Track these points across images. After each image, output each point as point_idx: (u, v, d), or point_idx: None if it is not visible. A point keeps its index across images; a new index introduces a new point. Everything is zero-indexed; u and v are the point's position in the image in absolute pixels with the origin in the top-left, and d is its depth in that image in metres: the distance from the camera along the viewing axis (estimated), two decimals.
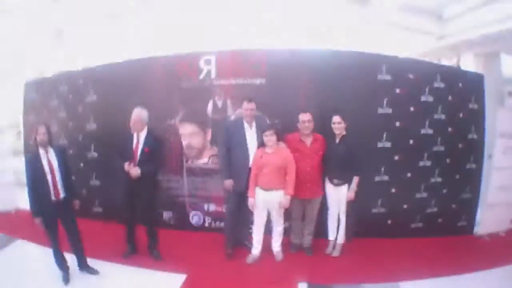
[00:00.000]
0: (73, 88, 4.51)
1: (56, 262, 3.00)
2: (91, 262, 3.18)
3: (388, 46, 6.16)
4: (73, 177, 3.17)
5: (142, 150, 3.14)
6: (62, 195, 2.91)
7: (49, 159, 2.85)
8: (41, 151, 2.85)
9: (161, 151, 3.29)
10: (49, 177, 2.83)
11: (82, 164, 4.44)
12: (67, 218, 2.99)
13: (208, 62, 3.88)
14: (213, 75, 3.88)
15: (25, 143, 4.94)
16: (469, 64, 6.08)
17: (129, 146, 3.15)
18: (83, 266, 3.14)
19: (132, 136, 3.18)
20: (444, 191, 4.04)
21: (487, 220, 4.05)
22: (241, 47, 3.98)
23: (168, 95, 4.02)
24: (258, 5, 7.07)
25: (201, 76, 3.90)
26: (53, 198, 2.85)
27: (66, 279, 2.98)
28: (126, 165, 3.08)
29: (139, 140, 3.16)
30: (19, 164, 4.07)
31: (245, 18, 7.38)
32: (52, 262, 3.00)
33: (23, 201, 4.56)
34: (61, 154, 2.97)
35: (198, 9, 7.13)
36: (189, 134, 4.01)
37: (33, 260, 3.47)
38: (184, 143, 4.04)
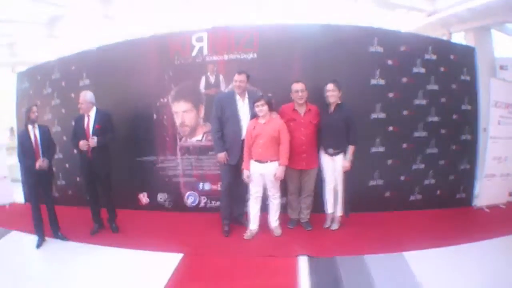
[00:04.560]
0: (65, 74, 4.47)
1: (35, 227, 3.37)
2: (82, 248, 3.32)
3: (379, 23, 6.15)
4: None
5: (94, 127, 3.42)
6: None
7: (35, 134, 3.30)
8: (30, 127, 3.29)
9: (112, 123, 3.56)
10: (34, 148, 3.27)
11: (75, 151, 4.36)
12: (46, 187, 3.40)
13: (200, 39, 3.88)
14: (205, 51, 3.87)
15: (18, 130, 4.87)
16: (460, 41, 6.07)
17: (81, 125, 3.44)
18: (56, 233, 3.45)
19: (83, 116, 3.46)
20: (441, 162, 4.02)
21: (485, 192, 4.01)
22: (233, 23, 3.95)
23: (161, 74, 4.00)
24: None
25: (194, 53, 3.89)
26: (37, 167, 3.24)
27: (39, 243, 3.33)
28: (81, 143, 3.35)
29: (90, 119, 3.45)
30: (13, 160, 4.24)
31: None
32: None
33: (17, 195, 4.77)
34: (44, 131, 3.38)
35: None
36: (182, 112, 3.98)
37: (25, 248, 3.41)
38: (178, 121, 4.01)
